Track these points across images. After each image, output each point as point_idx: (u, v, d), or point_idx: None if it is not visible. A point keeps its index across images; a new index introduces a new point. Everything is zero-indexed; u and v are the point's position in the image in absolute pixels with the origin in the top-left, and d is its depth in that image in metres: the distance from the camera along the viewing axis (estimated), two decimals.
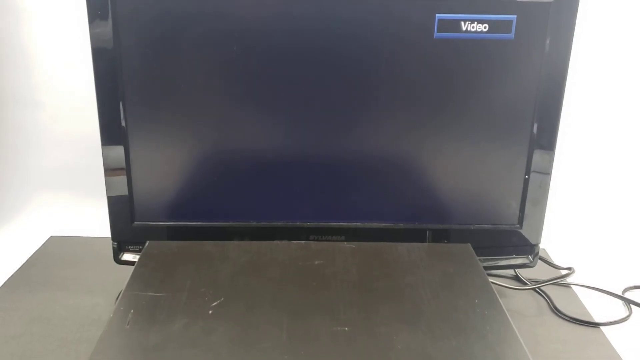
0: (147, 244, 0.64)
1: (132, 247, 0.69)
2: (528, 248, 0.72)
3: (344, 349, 0.48)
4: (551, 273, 0.78)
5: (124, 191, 0.67)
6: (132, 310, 0.52)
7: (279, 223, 0.69)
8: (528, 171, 0.68)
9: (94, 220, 0.90)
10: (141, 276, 0.58)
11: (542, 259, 0.77)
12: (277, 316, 0.52)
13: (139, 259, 0.61)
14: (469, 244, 0.66)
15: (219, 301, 0.54)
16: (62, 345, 0.62)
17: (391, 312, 0.53)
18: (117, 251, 0.69)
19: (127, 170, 0.66)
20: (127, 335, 0.49)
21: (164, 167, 0.67)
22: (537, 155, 0.67)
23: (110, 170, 0.66)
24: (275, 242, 0.65)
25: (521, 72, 0.64)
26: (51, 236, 0.87)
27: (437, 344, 0.49)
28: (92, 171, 0.80)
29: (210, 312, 0.52)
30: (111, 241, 0.69)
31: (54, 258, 0.81)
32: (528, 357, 0.48)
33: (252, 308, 0.53)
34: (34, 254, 0.82)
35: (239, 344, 0.48)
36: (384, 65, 0.64)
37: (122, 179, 0.67)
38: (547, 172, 0.68)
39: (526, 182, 0.68)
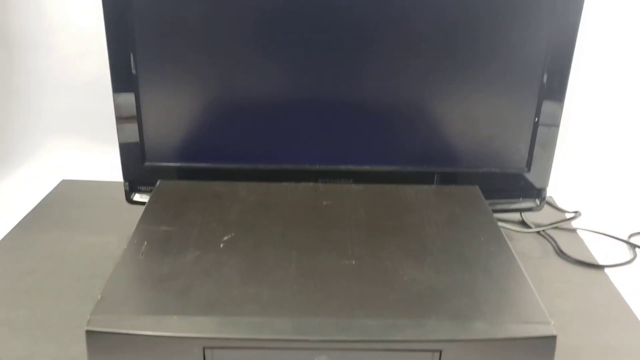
0: (158, 182, 0.65)
1: (143, 188, 0.70)
2: (535, 192, 0.72)
3: (351, 281, 0.49)
4: (557, 219, 0.79)
5: (135, 133, 0.68)
6: (145, 243, 0.54)
7: (287, 166, 0.70)
8: (538, 114, 0.68)
9: (104, 165, 0.91)
10: (153, 212, 0.59)
11: (548, 203, 0.78)
12: (286, 250, 0.53)
13: (151, 196, 0.62)
14: (476, 186, 0.66)
15: (229, 236, 0.55)
16: (76, 280, 0.64)
17: (397, 248, 0.54)
18: (129, 191, 0.70)
19: (138, 114, 0.67)
20: (141, 266, 0.50)
21: (174, 111, 0.67)
22: (547, 99, 0.67)
23: (121, 115, 0.67)
24: (284, 183, 0.66)
25: (533, 16, 0.63)
26: (62, 180, 0.88)
27: (442, 277, 0.50)
28: (103, 114, 0.80)
29: (221, 245, 0.54)
30: (122, 184, 0.70)
31: (65, 200, 0.82)
32: (532, 291, 0.49)
33: (262, 243, 0.54)
34: (46, 196, 0.83)
35: (249, 274, 0.50)
36: (394, 8, 0.63)
37: (133, 122, 0.67)
38: (556, 116, 0.68)
39: (535, 126, 0.68)
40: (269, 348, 0.44)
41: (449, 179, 0.70)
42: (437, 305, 0.47)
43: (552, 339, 0.44)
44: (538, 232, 0.76)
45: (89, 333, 0.43)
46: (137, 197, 0.70)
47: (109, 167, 0.86)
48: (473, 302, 0.47)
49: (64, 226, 0.75)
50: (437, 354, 0.44)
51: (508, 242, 0.56)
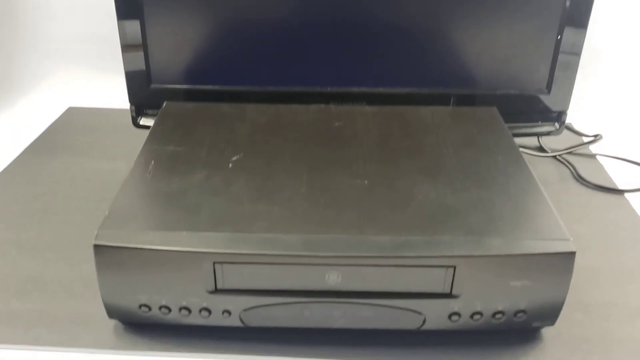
0: (165, 104, 0.63)
1: (150, 112, 0.68)
2: (555, 115, 0.69)
3: (363, 199, 0.48)
4: (576, 144, 0.77)
5: (141, 56, 0.65)
6: (152, 162, 0.52)
7: (297, 88, 0.68)
8: (560, 33, 0.64)
9: (112, 92, 0.89)
10: (160, 132, 0.58)
11: (567, 128, 0.75)
12: (297, 170, 0.52)
13: (157, 117, 0.60)
14: (494, 107, 0.64)
15: (238, 156, 0.54)
16: (85, 203, 0.63)
17: (411, 167, 0.53)
18: (135, 115, 0.69)
19: (144, 39, 0.64)
20: (148, 183, 0.49)
21: (181, 34, 0.64)
22: (570, 21, 0.63)
23: (126, 41, 0.64)
24: (294, 105, 0.64)
25: None
26: (69, 107, 0.86)
27: (457, 195, 0.49)
28: (109, 39, 0.78)
29: (230, 165, 0.52)
30: (129, 106, 0.68)
31: (73, 127, 0.81)
32: (551, 209, 0.47)
33: (272, 163, 0.53)
34: (53, 123, 0.82)
35: (259, 193, 0.48)
36: None
37: (139, 48, 0.65)
38: (579, 38, 0.64)
39: (557, 45, 0.65)
40: (279, 264, 0.43)
41: (466, 101, 0.68)
42: (451, 222, 0.45)
43: (570, 255, 0.43)
44: (555, 157, 0.74)
45: (97, 248, 0.43)
46: (143, 121, 0.69)
47: (116, 94, 0.85)
48: (489, 219, 0.46)
49: (71, 152, 0.74)
50: (451, 270, 0.43)
51: (526, 161, 0.54)
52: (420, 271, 0.43)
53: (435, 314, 0.45)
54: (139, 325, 0.47)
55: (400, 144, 0.57)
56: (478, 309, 0.45)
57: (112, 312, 0.45)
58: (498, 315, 0.45)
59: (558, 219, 0.46)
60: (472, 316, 0.45)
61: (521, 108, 0.69)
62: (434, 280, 0.44)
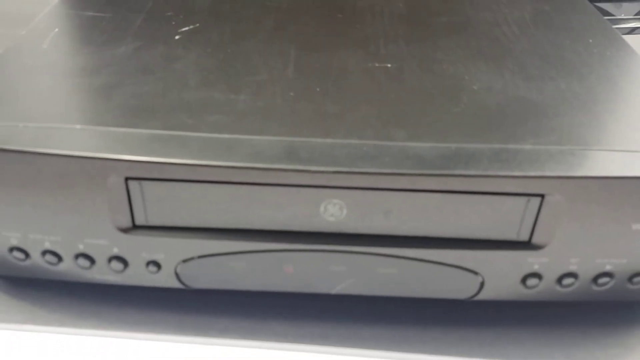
0: None
1: None
2: None
3: (385, 89, 0.30)
4: None
5: None
6: (56, 29, 0.34)
7: None
8: None
9: None
10: None
11: None
12: (281, 47, 0.33)
13: None
14: None
15: (192, 26, 0.35)
16: None
17: (459, 48, 0.34)
18: None
19: None
20: (40, 56, 0.31)
21: None
22: None
23: None
24: None
25: None
26: None
27: (537, 85, 0.30)
28: None
29: (177, 37, 0.34)
30: None
31: None
32: None
33: (243, 36, 0.34)
34: None
35: (217, 73, 0.30)
36: None
37: None
38: None
39: None
40: (241, 184, 0.25)
41: None
42: (532, 125, 0.27)
43: None
44: None
45: None
46: None
47: None
48: (594, 121, 0.28)
49: None
50: (536, 202, 0.25)
51: (630, 45, 0.36)
52: (481, 202, 0.26)
53: (500, 275, 0.27)
54: (17, 282, 0.30)
55: (440, 19, 0.38)
56: (572, 268, 0.27)
57: None
58: (603, 280, 0.28)
59: None
60: (560, 280, 0.28)
61: None
62: (504, 218, 0.26)
